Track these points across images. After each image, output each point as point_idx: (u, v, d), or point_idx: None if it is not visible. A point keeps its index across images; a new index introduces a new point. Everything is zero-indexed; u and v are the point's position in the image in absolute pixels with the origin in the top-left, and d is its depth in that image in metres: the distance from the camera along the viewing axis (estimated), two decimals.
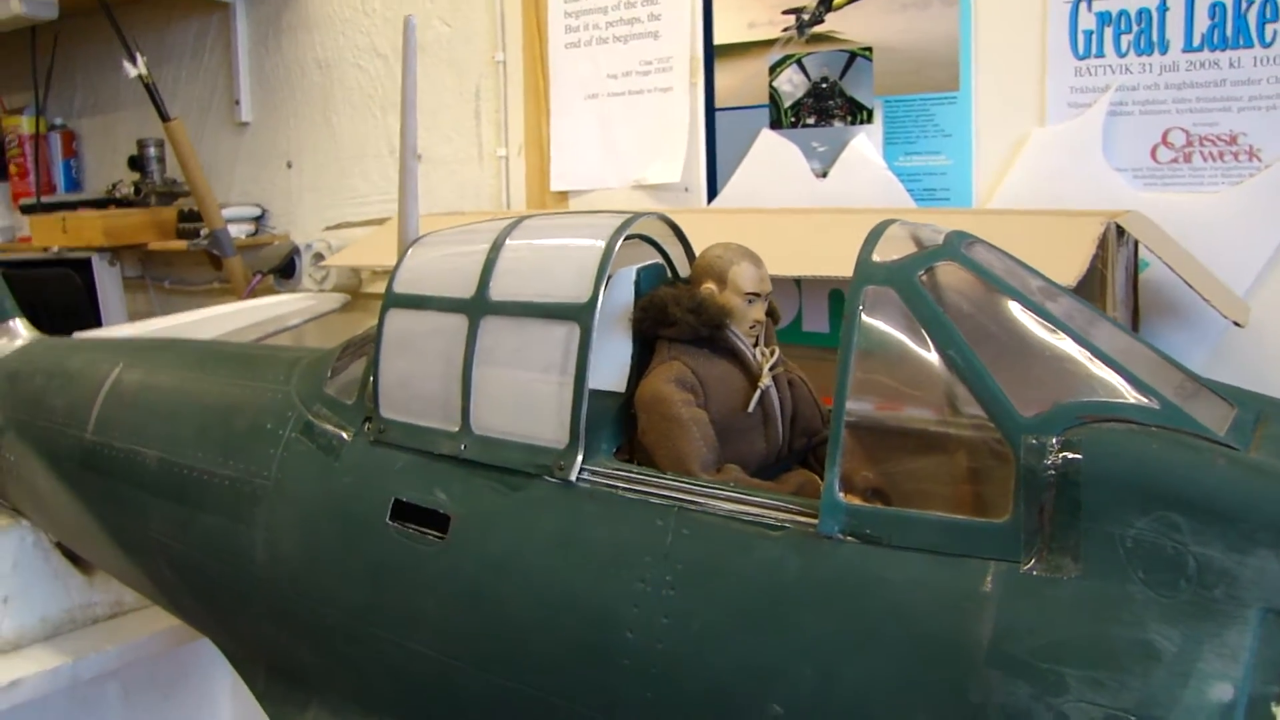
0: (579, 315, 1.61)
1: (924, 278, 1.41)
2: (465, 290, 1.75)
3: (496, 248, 1.76)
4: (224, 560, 2.04)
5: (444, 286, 1.80)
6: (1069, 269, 2.23)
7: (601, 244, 1.66)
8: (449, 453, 1.74)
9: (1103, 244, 2.34)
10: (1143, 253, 2.59)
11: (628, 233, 1.72)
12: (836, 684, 1.32)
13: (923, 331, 1.37)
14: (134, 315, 4.52)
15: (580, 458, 1.62)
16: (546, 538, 1.62)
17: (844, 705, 1.32)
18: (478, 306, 1.73)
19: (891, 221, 1.54)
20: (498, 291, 1.72)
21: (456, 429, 1.74)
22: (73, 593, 2.75)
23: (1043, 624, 1.22)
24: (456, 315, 1.75)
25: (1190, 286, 2.36)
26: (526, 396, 1.68)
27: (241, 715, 2.94)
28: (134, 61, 3.95)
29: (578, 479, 1.61)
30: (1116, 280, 2.42)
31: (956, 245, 1.48)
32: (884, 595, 1.32)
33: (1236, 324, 2.37)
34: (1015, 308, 1.42)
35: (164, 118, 4.05)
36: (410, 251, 1.91)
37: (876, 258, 1.44)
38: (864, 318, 1.40)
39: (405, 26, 2.12)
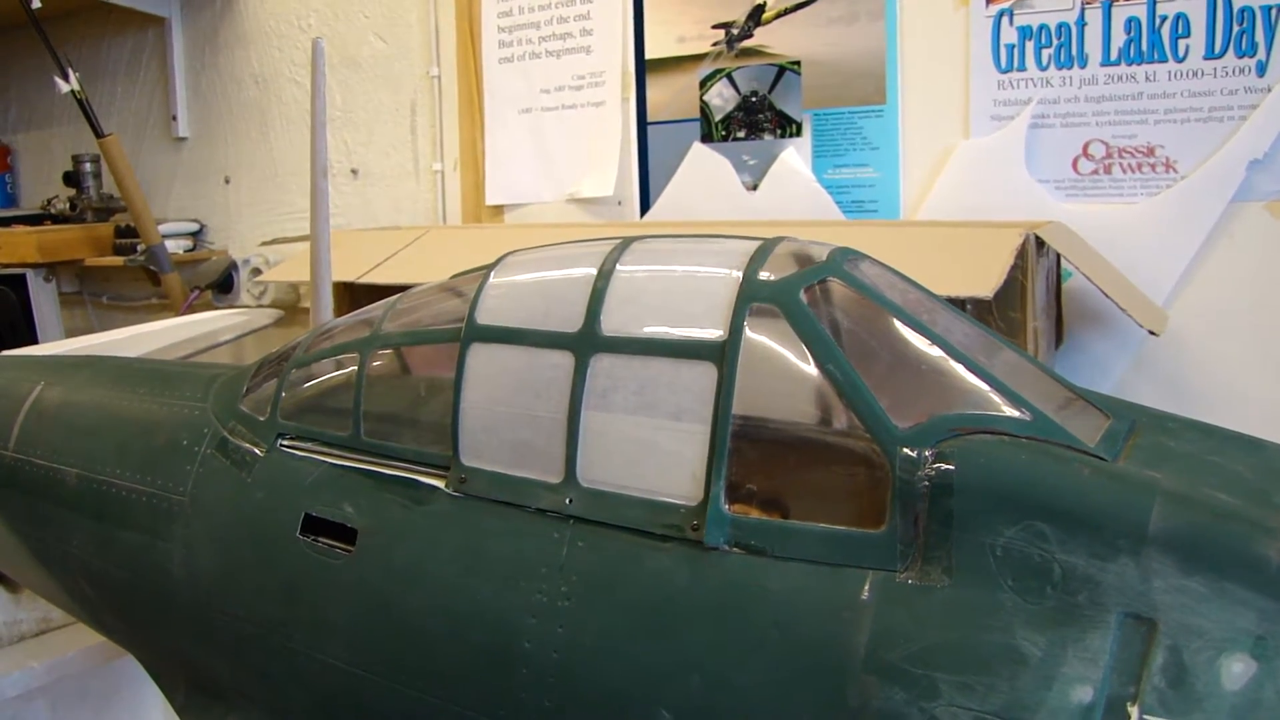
0: (716, 355, 1.45)
1: (807, 295, 1.45)
2: (570, 324, 1.56)
3: (605, 275, 1.58)
4: (143, 576, 2.05)
5: (542, 319, 1.61)
6: (987, 279, 2.26)
7: (739, 275, 1.51)
8: (551, 507, 1.56)
9: (1022, 254, 2.38)
10: (1065, 263, 2.64)
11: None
12: (723, 691, 1.36)
13: (804, 347, 1.41)
14: (71, 331, 4.51)
15: None
16: (449, 550, 1.64)
17: (730, 711, 1.36)
18: (587, 342, 1.54)
19: (781, 239, 1.58)
20: (611, 326, 1.54)
21: (559, 480, 1.55)
22: None
23: (917, 631, 1.26)
24: (560, 352, 1.56)
25: (1107, 296, 2.41)
26: (650, 446, 1.51)
27: None
28: (66, 77, 3.95)
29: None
30: (1036, 290, 2.46)
31: (839, 262, 1.52)
32: (767, 605, 1.36)
33: (1152, 333, 2.42)
34: (895, 323, 1.46)
35: (98, 134, 4.05)
36: (492, 278, 1.73)
37: (764, 274, 1.48)
38: (749, 333, 1.44)
39: (313, 50, 2.13)
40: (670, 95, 3.31)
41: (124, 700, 2.99)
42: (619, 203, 3.42)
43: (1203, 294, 2.63)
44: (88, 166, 4.66)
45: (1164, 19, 2.60)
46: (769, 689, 1.34)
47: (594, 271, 1.60)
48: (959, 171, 2.88)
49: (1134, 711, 1.15)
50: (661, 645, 1.42)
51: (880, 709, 1.26)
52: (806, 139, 3.10)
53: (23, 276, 4.48)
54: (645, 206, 3.38)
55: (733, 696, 1.36)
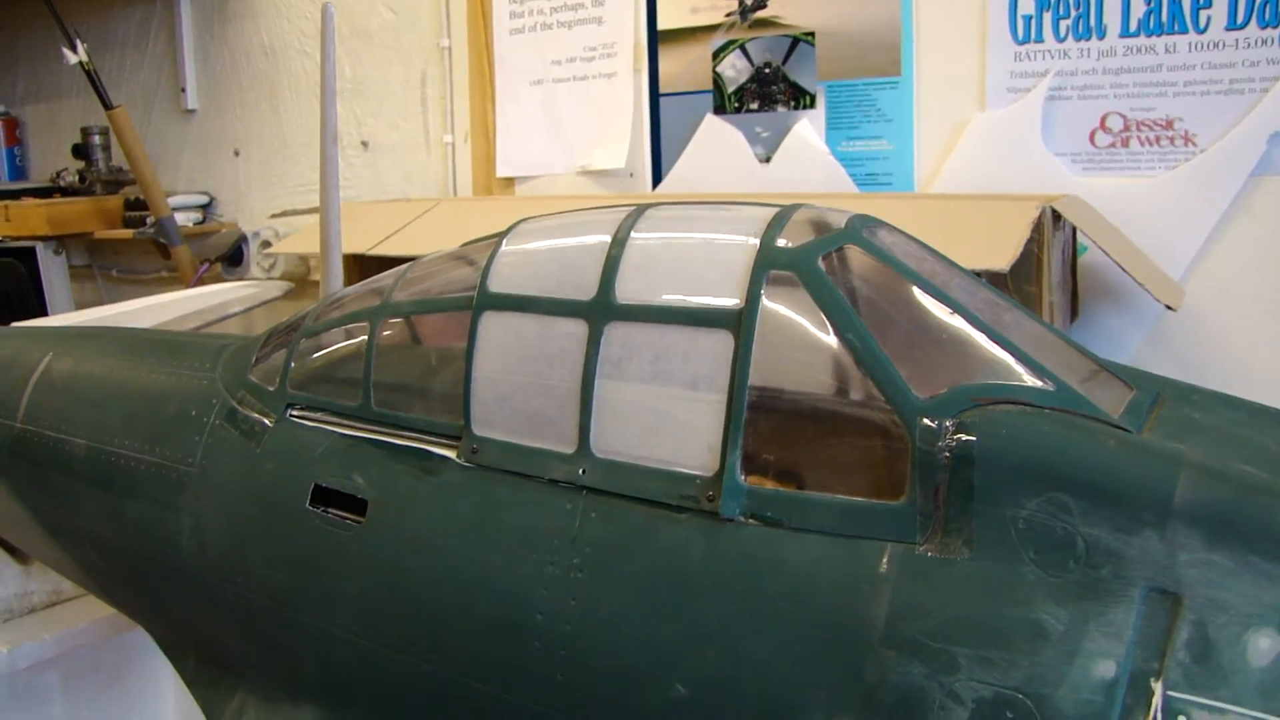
0: (733, 323, 1.42)
1: (825, 262, 1.42)
2: (584, 291, 1.54)
3: (619, 243, 1.56)
4: (152, 547, 2.04)
5: (555, 286, 1.59)
6: (1003, 253, 2.25)
7: (756, 242, 1.47)
8: (564, 478, 1.54)
9: (1038, 228, 2.36)
10: (1081, 237, 2.61)
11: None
12: (738, 665, 1.35)
13: (822, 315, 1.39)
14: (81, 304, 4.51)
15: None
16: (460, 521, 1.62)
17: (745, 685, 1.34)
18: (601, 310, 1.52)
19: (798, 206, 1.55)
20: (625, 294, 1.52)
21: (572, 451, 1.53)
22: (8, 582, 2.75)
23: (936, 604, 1.25)
24: (573, 320, 1.54)
25: (1124, 270, 2.39)
26: (665, 416, 1.50)
27: (186, 702, 2.94)
28: (74, 48, 3.93)
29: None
30: (1052, 264, 2.44)
31: (858, 229, 1.49)
32: (784, 577, 1.34)
33: (1169, 307, 2.39)
34: (915, 291, 1.44)
35: (106, 105, 4.04)
36: (504, 245, 1.71)
37: (781, 241, 1.46)
38: (766, 301, 1.41)
39: (323, 15, 2.10)
40: (683, 66, 3.28)
41: (136, 672, 2.98)
42: (630, 175, 3.40)
43: (1220, 269, 2.60)
44: (96, 139, 4.64)
45: None
46: (785, 663, 1.32)
47: (608, 239, 1.58)
48: (974, 144, 2.85)
49: (1158, 687, 1.13)
50: (676, 618, 1.40)
51: (898, 683, 1.24)
52: (820, 111, 3.07)
53: (32, 249, 4.46)
54: (657, 179, 3.36)
55: (748, 671, 1.34)
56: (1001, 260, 2.23)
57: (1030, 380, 1.34)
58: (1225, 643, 1.13)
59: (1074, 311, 2.72)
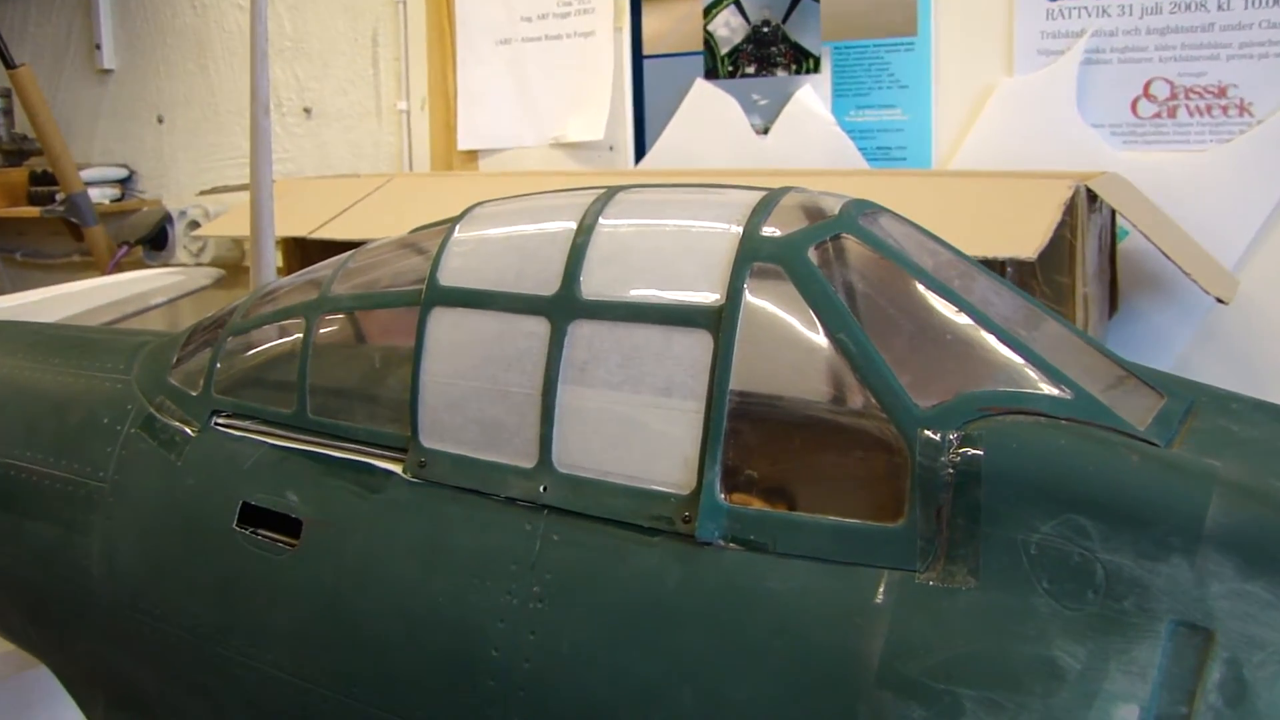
0: (712, 322, 1.43)
1: (816, 253, 1.44)
2: (545, 286, 1.55)
3: (586, 230, 1.57)
4: (56, 574, 2.04)
5: (513, 280, 1.59)
6: (1031, 238, 2.26)
7: (739, 230, 1.48)
8: (522, 495, 1.55)
9: (1070, 210, 2.38)
10: (1120, 220, 2.63)
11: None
12: (717, 707, 1.36)
13: (812, 314, 1.40)
14: None
15: None
16: (407, 544, 1.63)
17: None
18: (564, 307, 1.53)
19: (787, 189, 1.57)
20: (592, 288, 1.52)
21: (532, 465, 1.54)
22: None
23: (938, 640, 1.26)
24: (533, 318, 1.55)
25: (1169, 258, 2.40)
26: (635, 426, 1.50)
27: None
28: None
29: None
30: (1087, 251, 2.45)
31: (854, 217, 1.50)
32: (768, 608, 1.35)
33: (1220, 300, 2.41)
34: (917, 287, 1.45)
35: (9, 64, 4.04)
36: (457, 232, 1.71)
37: (767, 230, 1.47)
38: (749, 298, 1.42)
39: None
40: (670, 24, 3.29)
41: (38, 717, 2.98)
42: (610, 148, 3.41)
43: (1279, 257, 2.62)
44: None
45: None
46: (770, 705, 1.33)
47: (574, 226, 1.59)
48: (1000, 114, 2.87)
49: None
50: (648, 654, 1.41)
51: None
52: (825, 76, 3.08)
53: None
54: (640, 152, 3.37)
55: (728, 713, 1.35)
56: (1028, 247, 2.24)
57: (1046, 387, 1.36)
58: (1261, 684, 1.15)
59: (1113, 305, 2.74)
